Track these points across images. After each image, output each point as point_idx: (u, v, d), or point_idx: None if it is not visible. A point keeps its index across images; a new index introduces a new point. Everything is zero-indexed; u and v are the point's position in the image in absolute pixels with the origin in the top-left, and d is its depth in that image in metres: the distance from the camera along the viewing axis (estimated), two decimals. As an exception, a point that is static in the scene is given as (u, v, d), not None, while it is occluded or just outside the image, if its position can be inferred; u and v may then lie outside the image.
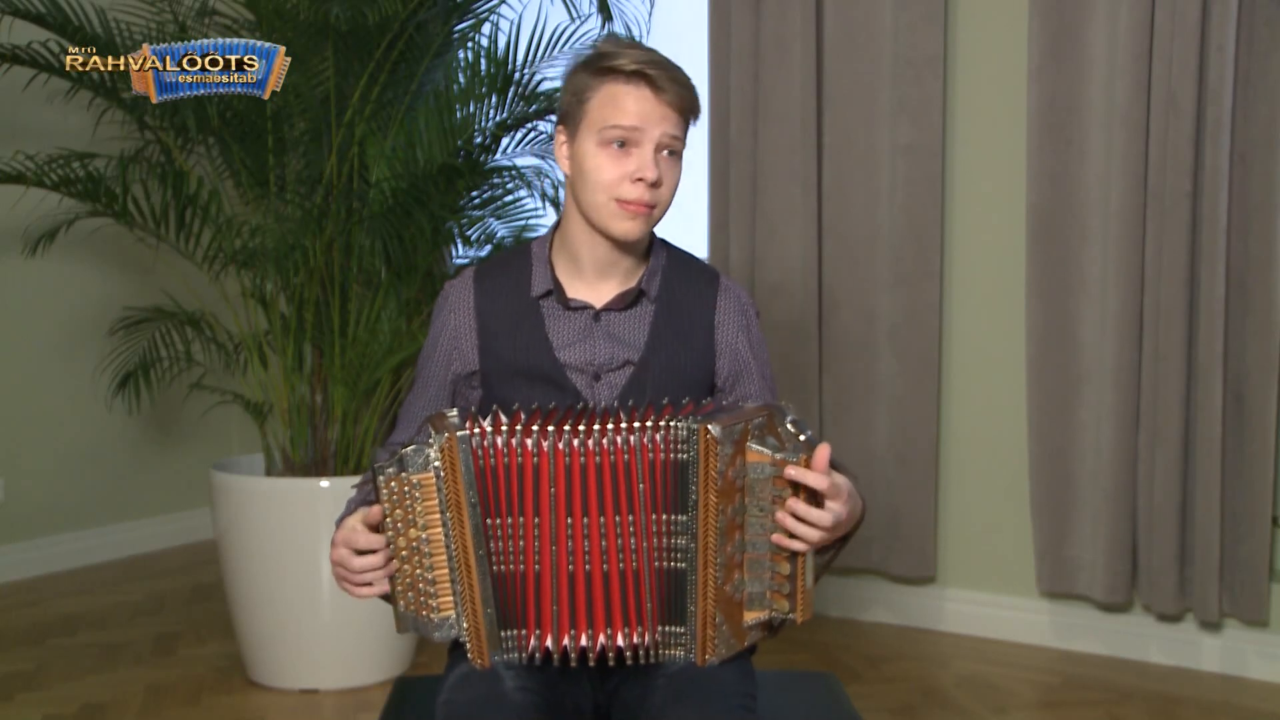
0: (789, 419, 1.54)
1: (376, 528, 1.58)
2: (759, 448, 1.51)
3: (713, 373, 1.77)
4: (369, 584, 1.61)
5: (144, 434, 4.56)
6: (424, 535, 1.56)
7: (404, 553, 1.57)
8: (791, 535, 1.52)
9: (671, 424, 1.51)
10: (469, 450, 1.53)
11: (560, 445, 1.54)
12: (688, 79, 1.69)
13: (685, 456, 1.51)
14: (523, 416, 1.57)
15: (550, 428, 1.54)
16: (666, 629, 1.56)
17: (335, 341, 3.25)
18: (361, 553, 1.59)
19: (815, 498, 1.52)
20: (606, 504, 1.54)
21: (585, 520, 1.54)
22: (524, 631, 1.57)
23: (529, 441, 1.54)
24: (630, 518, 1.54)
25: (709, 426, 1.48)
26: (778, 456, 1.51)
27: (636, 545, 1.55)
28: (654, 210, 1.69)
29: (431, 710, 1.62)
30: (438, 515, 1.55)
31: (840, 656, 3.40)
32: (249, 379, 3.43)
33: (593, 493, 1.54)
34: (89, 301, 4.29)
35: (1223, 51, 3.03)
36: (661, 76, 1.65)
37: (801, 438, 1.53)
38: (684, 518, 1.52)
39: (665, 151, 1.68)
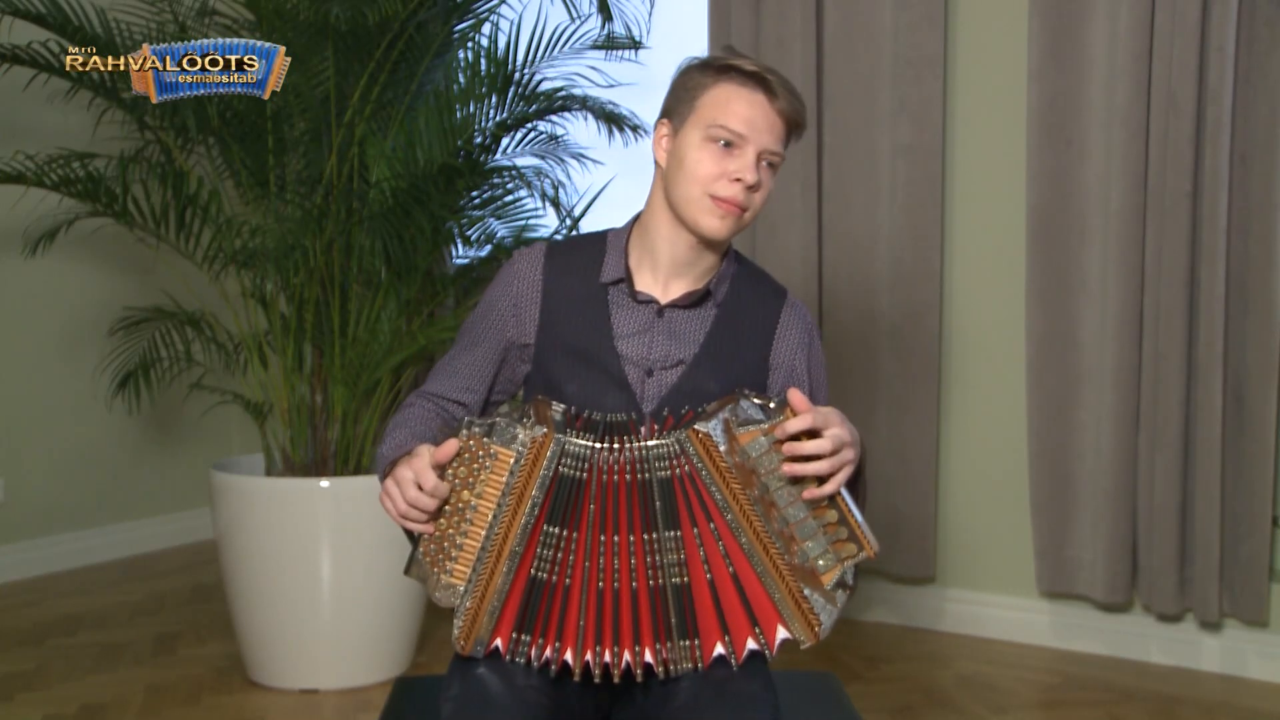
0: (752, 397, 1.57)
1: (445, 463, 1.57)
2: (745, 428, 1.54)
3: (764, 386, 1.77)
4: (406, 520, 1.60)
5: (144, 434, 4.56)
6: (474, 503, 1.57)
7: (448, 508, 1.58)
8: (816, 483, 1.54)
9: (657, 444, 1.55)
10: (558, 454, 1.55)
11: (600, 462, 1.56)
12: (799, 94, 1.71)
13: (688, 468, 1.55)
14: (582, 423, 1.59)
15: (598, 445, 1.56)
16: (680, 643, 1.58)
17: (335, 341, 3.25)
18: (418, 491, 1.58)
19: (813, 437, 1.54)
20: (635, 522, 1.56)
21: (616, 539, 1.57)
22: (541, 640, 1.58)
23: (599, 457, 1.56)
24: (672, 533, 1.57)
25: (697, 427, 1.54)
26: (765, 425, 1.54)
27: (676, 560, 1.57)
28: (745, 214, 1.69)
29: (431, 710, 1.62)
30: (496, 492, 1.56)
31: (840, 656, 3.41)
32: (249, 379, 3.43)
33: (623, 510, 1.56)
34: (89, 301, 4.29)
35: (1223, 51, 3.03)
36: (777, 84, 1.67)
37: (772, 404, 1.56)
38: (727, 520, 1.56)
39: (765, 162, 1.69)
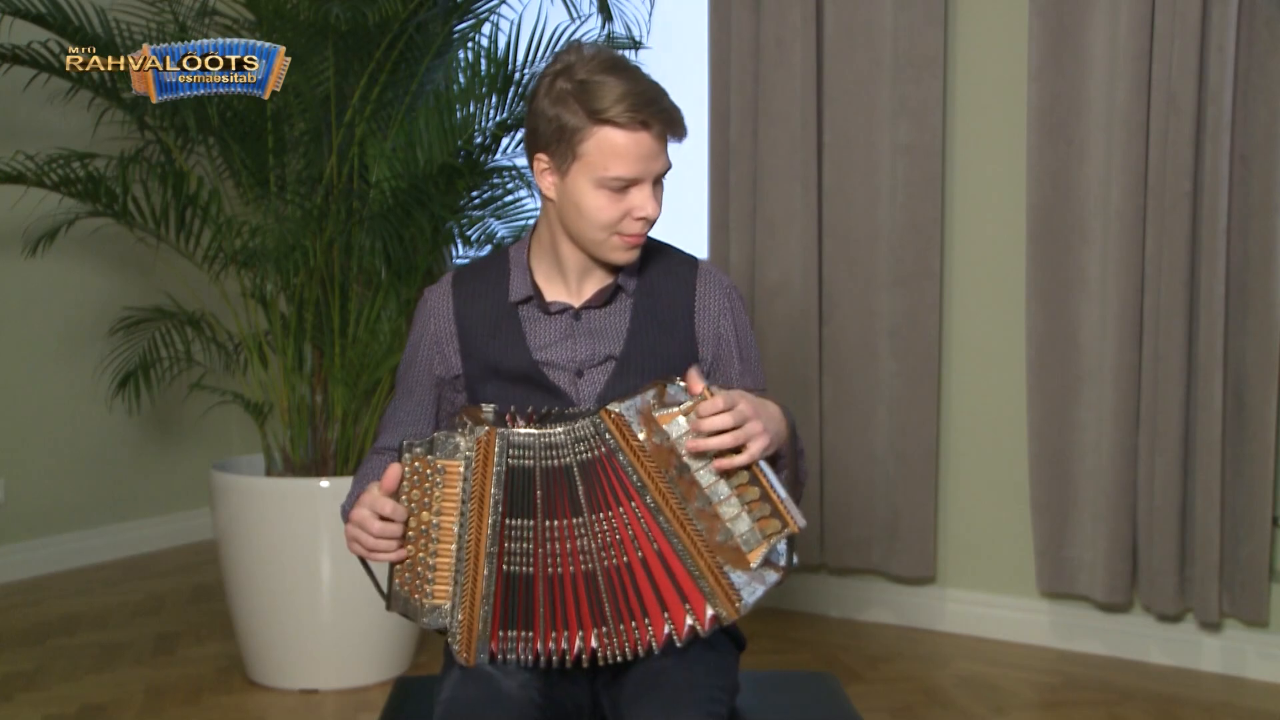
0: (679, 380, 1.57)
1: (393, 491, 1.59)
2: (666, 411, 1.56)
3: (696, 360, 1.78)
4: (380, 551, 1.62)
5: (144, 434, 4.56)
6: (435, 521, 1.57)
7: (411, 533, 1.58)
8: (725, 456, 1.55)
9: (574, 426, 1.56)
10: (505, 448, 1.56)
11: (540, 449, 1.57)
12: (673, 104, 1.67)
13: (604, 449, 1.56)
14: (534, 416, 1.60)
15: (539, 432, 1.57)
16: (704, 600, 1.56)
17: (335, 341, 3.25)
18: (382, 520, 1.60)
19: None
20: (566, 507, 1.57)
21: (559, 523, 1.58)
22: (526, 633, 1.59)
23: (539, 443, 1.57)
24: (602, 515, 1.57)
25: (608, 409, 1.55)
26: (684, 406, 1.55)
27: (611, 542, 1.57)
28: (646, 235, 1.71)
29: (432, 710, 1.62)
30: (454, 504, 1.56)
31: (840, 656, 3.41)
32: (249, 379, 3.43)
33: (566, 497, 1.58)
34: (89, 301, 4.29)
35: (1223, 51, 3.03)
36: (654, 117, 1.63)
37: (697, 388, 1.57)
38: (648, 500, 1.56)
39: (658, 182, 1.69)
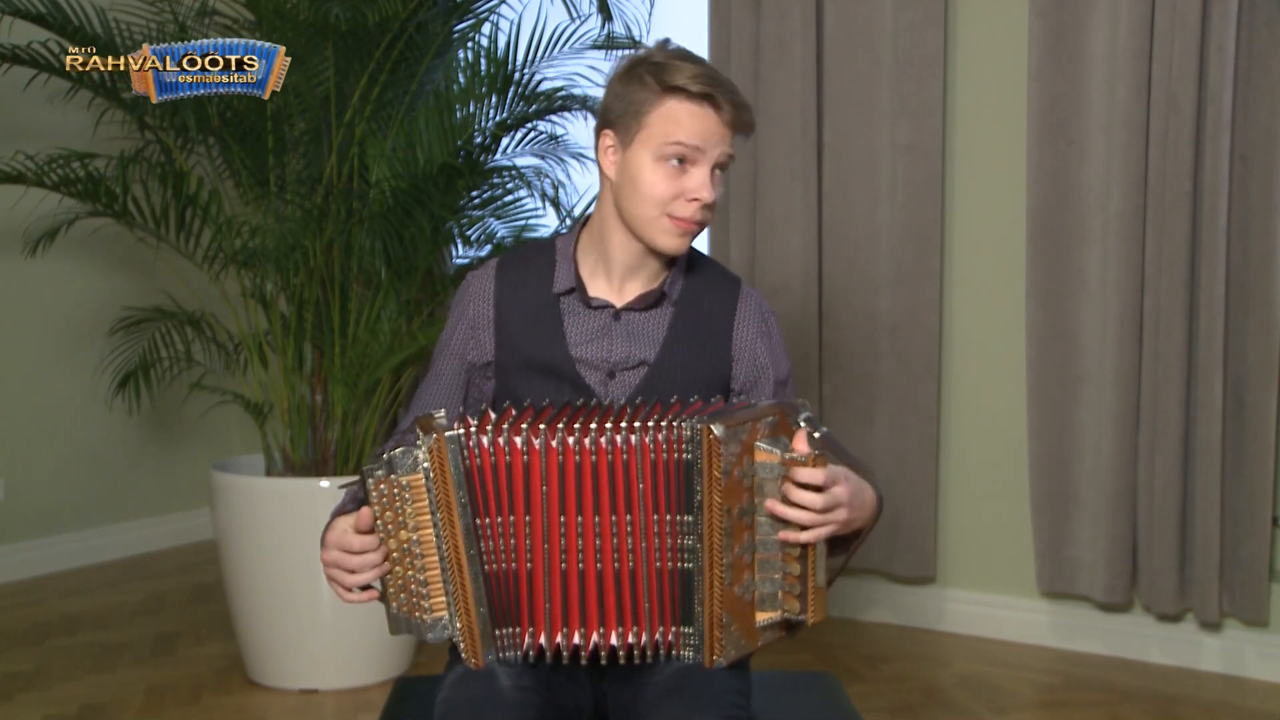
0: (803, 416, 1.54)
1: (368, 531, 1.59)
2: (768, 447, 1.51)
3: (728, 378, 1.78)
4: (364, 585, 1.62)
5: (144, 434, 4.56)
6: (415, 537, 1.56)
7: (395, 554, 1.58)
8: (791, 527, 1.53)
9: (675, 423, 1.52)
10: (458, 451, 1.54)
11: (554, 443, 1.54)
12: (745, 99, 1.70)
13: (689, 456, 1.51)
14: (513, 413, 1.58)
15: (543, 426, 1.54)
16: (679, 629, 1.56)
17: (335, 341, 3.25)
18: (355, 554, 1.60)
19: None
20: (603, 503, 1.55)
21: (580, 519, 1.55)
22: (519, 630, 1.58)
23: (518, 440, 1.55)
24: (629, 517, 1.55)
25: (712, 426, 1.48)
26: (787, 456, 1.51)
27: (634, 545, 1.55)
28: (701, 227, 1.71)
29: (432, 710, 1.62)
30: (428, 516, 1.56)
31: (840, 656, 3.41)
32: (249, 379, 3.43)
33: (588, 491, 1.55)
34: (89, 301, 4.29)
35: (1223, 51, 3.03)
36: (724, 98, 1.66)
37: (817, 435, 1.53)
38: (690, 518, 1.53)
39: (719, 169, 1.70)
